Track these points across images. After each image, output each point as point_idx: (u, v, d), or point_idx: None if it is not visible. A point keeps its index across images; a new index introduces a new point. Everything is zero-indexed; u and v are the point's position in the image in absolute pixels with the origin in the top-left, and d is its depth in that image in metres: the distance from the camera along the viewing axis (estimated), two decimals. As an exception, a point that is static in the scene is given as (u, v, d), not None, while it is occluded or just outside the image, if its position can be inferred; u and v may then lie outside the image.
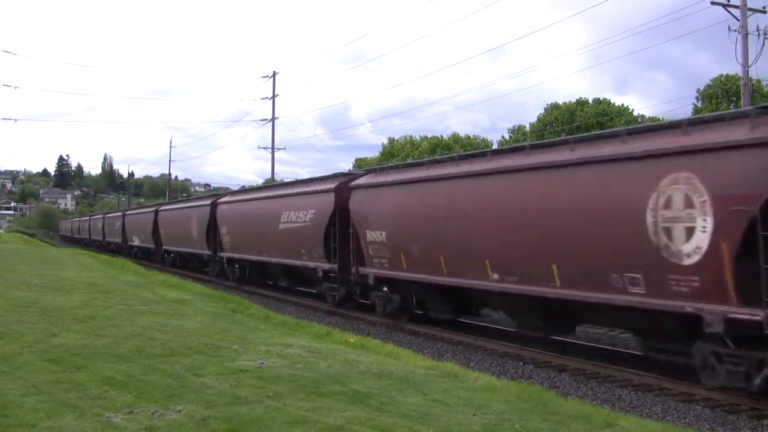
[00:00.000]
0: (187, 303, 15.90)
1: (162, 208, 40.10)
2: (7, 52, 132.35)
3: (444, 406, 6.92)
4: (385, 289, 16.79)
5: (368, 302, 17.91)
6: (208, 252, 29.39)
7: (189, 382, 7.39)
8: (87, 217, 79.78)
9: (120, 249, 50.80)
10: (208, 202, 29.88)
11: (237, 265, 26.54)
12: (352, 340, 11.86)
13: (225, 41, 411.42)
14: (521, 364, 12.21)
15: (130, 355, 8.80)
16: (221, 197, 29.52)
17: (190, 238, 31.61)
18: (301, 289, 24.14)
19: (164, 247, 37.46)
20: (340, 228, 18.14)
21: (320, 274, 19.22)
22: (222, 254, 27.50)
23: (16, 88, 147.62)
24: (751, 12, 24.01)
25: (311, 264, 19.57)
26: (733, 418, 8.74)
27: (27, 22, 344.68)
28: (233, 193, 30.58)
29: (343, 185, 18.44)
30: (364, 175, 18.31)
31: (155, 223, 38.94)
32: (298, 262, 20.43)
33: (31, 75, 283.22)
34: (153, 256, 40.54)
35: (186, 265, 35.26)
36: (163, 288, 19.74)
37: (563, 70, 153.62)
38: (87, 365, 8.06)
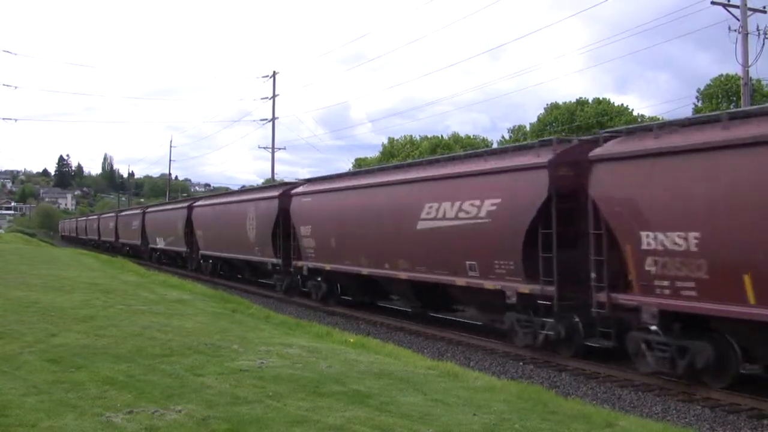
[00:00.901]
0: (187, 303, 15.90)
1: (198, 203, 32.32)
2: (7, 52, 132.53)
3: (444, 405, 6.93)
4: (655, 327, 9.93)
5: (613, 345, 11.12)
6: (275, 260, 22.34)
7: (189, 382, 7.39)
8: (96, 216, 68.96)
9: (138, 252, 43.95)
10: (276, 193, 22.67)
11: (320, 278, 19.96)
12: (352, 340, 11.86)
13: (225, 41, 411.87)
14: (521, 363, 12.21)
15: (130, 355, 8.80)
16: (294, 187, 22.26)
17: (244, 241, 24.38)
18: (437, 315, 17.15)
19: (202, 252, 30.21)
20: (560, 227, 11.48)
21: (512, 299, 12.28)
22: (301, 264, 20.53)
23: (16, 88, 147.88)
24: (751, 12, 24.00)
25: (490, 284, 12.70)
26: (733, 418, 8.74)
27: (27, 22, 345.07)
28: (316, 180, 21.79)
29: (561, 158, 11.64)
30: (613, 137, 11.10)
31: (188, 221, 31.84)
32: (459, 280, 13.53)
33: (31, 75, 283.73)
34: (185, 262, 34.04)
35: (234, 274, 29.10)
36: (163, 288, 19.75)
37: (563, 70, 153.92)
38: (87, 365, 8.07)
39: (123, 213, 52.97)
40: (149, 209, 43.53)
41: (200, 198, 35.20)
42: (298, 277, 21.39)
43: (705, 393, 9.61)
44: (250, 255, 24.44)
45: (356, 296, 19.82)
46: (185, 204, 33.94)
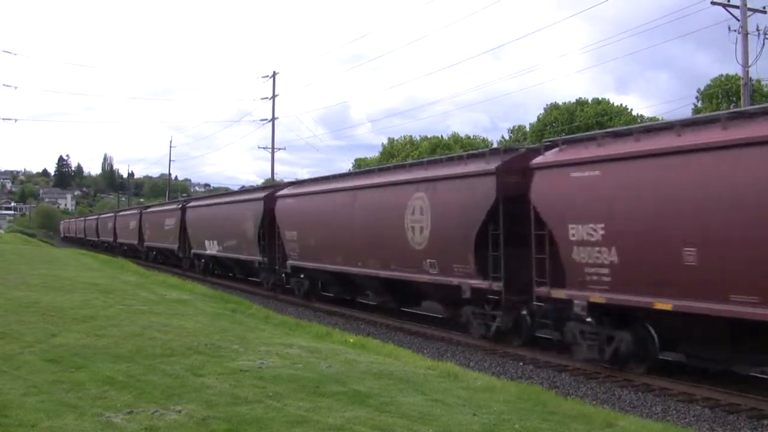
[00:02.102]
0: (187, 303, 15.90)
1: (285, 192, 22.26)
2: (7, 52, 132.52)
3: (444, 406, 6.93)
4: None
5: None
6: (478, 283, 12.98)
7: (189, 382, 7.39)
8: (111, 214, 56.78)
9: (172, 259, 35.69)
10: (490, 166, 12.91)
11: (605, 322, 10.95)
12: (352, 340, 11.86)
13: (225, 41, 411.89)
14: (521, 364, 12.20)
15: (130, 355, 8.80)
16: (531, 155, 12.58)
17: (399, 248, 15.21)
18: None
19: (293, 263, 20.98)
20: None
21: None
22: (572, 294, 11.13)
23: (16, 88, 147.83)
24: (751, 12, 24.01)
25: None
26: (733, 418, 8.74)
27: (27, 22, 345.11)
28: (583, 141, 11.66)
29: None
30: None
31: (267, 217, 22.63)
32: None
33: (31, 75, 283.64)
34: (254, 274, 25.51)
35: (353, 296, 20.20)
36: (163, 288, 19.73)
37: (564, 70, 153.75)
38: (87, 365, 8.07)
39: (150, 210, 42.24)
40: (192, 203, 33.28)
41: (286, 185, 23.76)
42: (525, 315, 12.72)
43: (705, 393, 9.62)
44: (411, 271, 14.95)
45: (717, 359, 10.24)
46: (260, 194, 24.20)
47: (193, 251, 31.11)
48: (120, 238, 48.74)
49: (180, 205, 34.06)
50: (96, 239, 59.27)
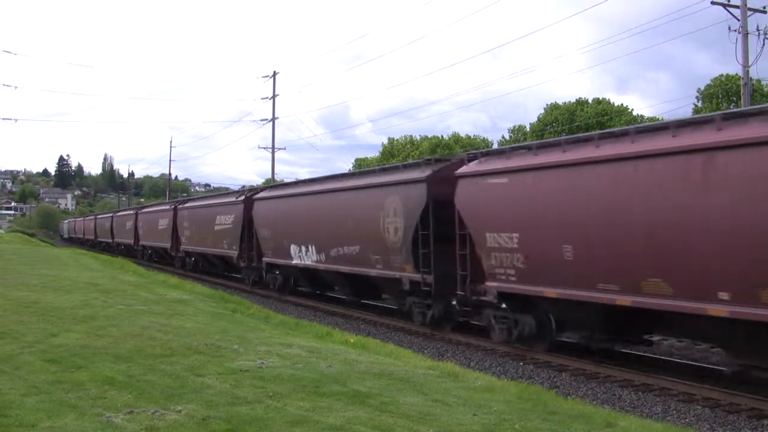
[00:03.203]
0: (187, 303, 15.90)
1: (477, 167, 13.00)
2: (7, 52, 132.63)
3: (444, 406, 6.93)
4: None
5: None
6: None
7: (189, 382, 7.39)
8: (131, 212, 45.71)
9: (217, 266, 28.77)
10: None
11: None
12: (352, 340, 11.87)
13: (225, 41, 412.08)
14: (521, 364, 12.20)
15: (130, 355, 8.80)
16: None
17: None
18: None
19: (500, 286, 12.31)
20: None
21: None
22: None
23: (16, 88, 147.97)
24: (751, 12, 24.03)
25: None
26: (733, 418, 8.74)
27: (27, 22, 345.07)
28: None
29: None
30: None
31: (436, 211, 14.06)
32: None
33: (31, 75, 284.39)
34: (398, 297, 16.48)
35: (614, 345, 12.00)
36: (162, 288, 19.73)
37: (564, 70, 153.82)
38: (87, 365, 8.06)
39: (189, 205, 32.53)
40: (263, 194, 23.91)
41: (467, 158, 13.85)
42: None
43: (705, 393, 9.62)
44: None
45: None
46: (417, 174, 14.83)
47: (265, 260, 22.63)
48: (143, 240, 40.06)
49: (241, 197, 24.97)
50: (110, 241, 50.70)
